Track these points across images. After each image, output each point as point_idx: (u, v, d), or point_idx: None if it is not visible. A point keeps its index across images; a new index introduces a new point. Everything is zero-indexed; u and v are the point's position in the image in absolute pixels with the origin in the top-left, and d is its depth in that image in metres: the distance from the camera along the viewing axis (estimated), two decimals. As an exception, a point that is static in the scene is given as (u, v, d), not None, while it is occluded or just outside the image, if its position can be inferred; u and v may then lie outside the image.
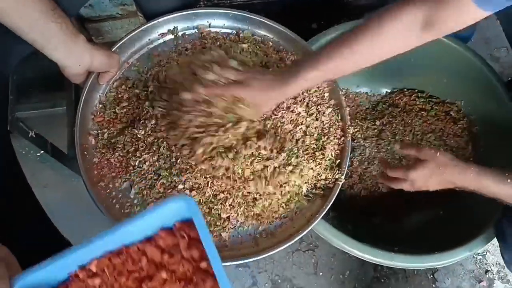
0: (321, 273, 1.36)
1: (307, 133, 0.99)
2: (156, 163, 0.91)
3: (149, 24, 1.04)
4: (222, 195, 0.91)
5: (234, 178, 0.90)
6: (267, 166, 0.91)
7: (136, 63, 1.04)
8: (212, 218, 0.90)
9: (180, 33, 1.08)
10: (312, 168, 0.96)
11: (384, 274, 1.37)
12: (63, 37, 0.81)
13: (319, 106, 1.03)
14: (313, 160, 0.97)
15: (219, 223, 0.91)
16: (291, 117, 0.98)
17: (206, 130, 0.87)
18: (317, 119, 1.01)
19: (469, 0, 0.68)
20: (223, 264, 0.89)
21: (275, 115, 0.97)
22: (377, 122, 1.39)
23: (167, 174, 0.90)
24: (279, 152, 0.93)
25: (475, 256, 1.42)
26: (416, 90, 1.43)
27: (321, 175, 0.98)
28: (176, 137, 0.90)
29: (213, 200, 0.90)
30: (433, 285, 1.37)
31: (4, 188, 0.79)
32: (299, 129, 0.98)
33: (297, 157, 0.95)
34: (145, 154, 0.91)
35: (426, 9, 0.74)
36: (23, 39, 0.78)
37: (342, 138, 1.01)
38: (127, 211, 0.91)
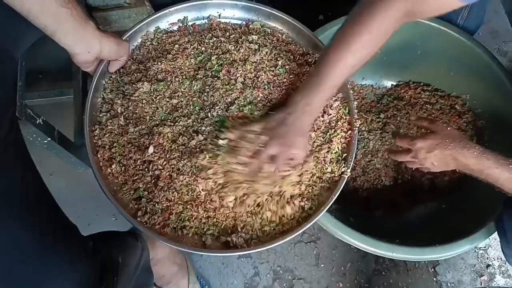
0: (322, 265, 1.38)
1: (314, 127, 1.00)
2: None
3: (159, 14, 1.05)
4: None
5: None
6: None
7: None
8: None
9: (190, 23, 1.08)
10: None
11: (385, 267, 1.38)
12: (73, 23, 0.81)
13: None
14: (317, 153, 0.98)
15: None
16: None
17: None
18: (324, 112, 1.02)
19: None
20: (226, 254, 0.91)
21: None
22: (382, 115, 1.40)
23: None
24: None
25: (476, 251, 1.43)
26: (422, 83, 1.44)
27: (327, 168, 0.98)
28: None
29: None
30: (434, 279, 1.39)
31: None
32: None
33: None
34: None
35: (410, 3, 0.79)
36: (34, 24, 0.78)
37: (349, 132, 1.02)
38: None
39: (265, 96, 0.99)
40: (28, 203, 0.73)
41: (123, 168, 0.91)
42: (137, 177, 0.91)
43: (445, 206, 1.31)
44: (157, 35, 1.05)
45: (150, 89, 0.96)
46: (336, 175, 0.98)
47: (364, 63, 0.87)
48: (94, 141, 0.93)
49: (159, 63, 0.99)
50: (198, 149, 0.92)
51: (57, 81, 1.37)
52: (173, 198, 0.89)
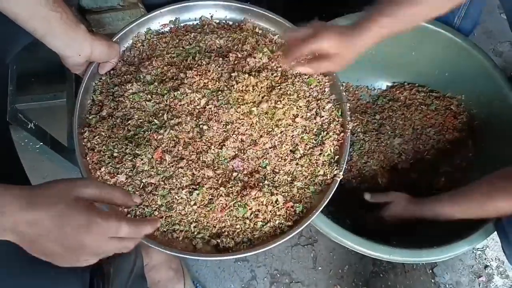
0: (320, 268, 1.36)
1: (306, 129, 0.99)
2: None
3: (150, 15, 1.04)
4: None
5: None
6: None
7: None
8: None
9: (182, 24, 1.07)
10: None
11: (383, 269, 1.37)
12: (63, 26, 0.81)
13: (319, 101, 1.03)
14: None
15: None
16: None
17: None
18: (317, 114, 1.01)
19: None
20: (222, 258, 0.90)
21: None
22: (377, 116, 1.38)
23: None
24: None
25: (474, 251, 1.42)
26: (417, 84, 1.42)
27: (319, 170, 0.97)
28: None
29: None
30: (432, 280, 1.37)
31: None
32: (300, 124, 0.99)
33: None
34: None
35: None
36: (23, 27, 0.78)
37: (342, 134, 1.00)
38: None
39: None
40: None
41: (112, 171, 0.90)
42: (126, 180, 0.90)
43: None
44: (148, 36, 1.04)
45: (140, 91, 0.96)
46: (328, 177, 0.97)
47: None
48: (83, 143, 0.92)
49: (149, 66, 0.99)
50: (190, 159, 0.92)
51: (50, 85, 1.36)
52: (162, 202, 0.88)
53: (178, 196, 0.89)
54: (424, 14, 0.89)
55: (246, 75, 1.00)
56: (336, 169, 0.97)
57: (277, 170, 0.96)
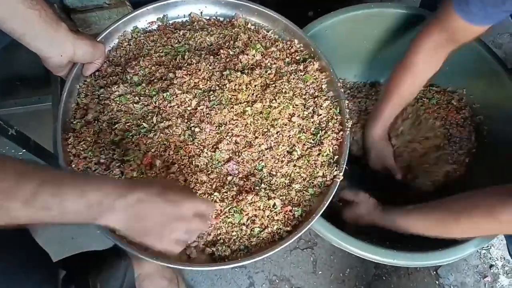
0: (320, 272, 1.32)
1: (304, 128, 0.95)
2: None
3: (137, 12, 0.99)
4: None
5: None
6: None
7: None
8: None
9: (170, 22, 1.02)
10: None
11: (385, 272, 1.32)
12: (43, 25, 0.76)
13: (316, 99, 0.98)
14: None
15: None
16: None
17: None
18: (314, 112, 0.96)
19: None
20: (218, 268, 0.85)
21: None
22: None
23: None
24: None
25: (479, 251, 1.38)
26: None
27: (318, 172, 0.93)
28: None
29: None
30: (436, 282, 1.33)
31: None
32: (297, 124, 0.94)
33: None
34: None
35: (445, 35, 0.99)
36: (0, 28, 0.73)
37: (341, 133, 0.96)
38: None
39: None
40: None
41: (99, 178, 0.85)
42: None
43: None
44: (135, 35, 0.99)
45: (127, 93, 0.90)
46: (328, 179, 0.93)
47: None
48: (68, 150, 0.86)
49: (136, 66, 0.94)
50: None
51: (36, 88, 1.31)
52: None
53: None
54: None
55: (239, 73, 0.95)
56: (335, 170, 0.93)
57: (273, 173, 0.92)
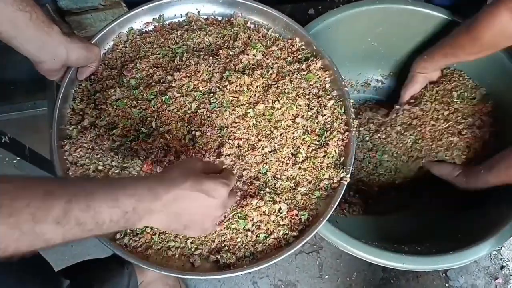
0: (326, 276, 1.29)
1: (308, 130, 0.91)
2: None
3: (132, 13, 0.95)
4: None
5: None
6: None
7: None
8: None
9: (166, 22, 0.99)
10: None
11: (393, 275, 1.29)
12: (33, 28, 0.72)
13: (320, 99, 0.95)
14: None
15: None
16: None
17: None
18: (318, 113, 0.93)
19: None
20: (222, 276, 0.82)
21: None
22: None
23: None
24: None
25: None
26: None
27: (324, 174, 0.90)
28: None
29: None
30: (446, 284, 1.30)
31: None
32: (301, 125, 0.90)
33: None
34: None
35: None
36: None
37: (347, 133, 0.93)
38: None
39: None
40: None
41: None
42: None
43: (454, 210, 1.21)
44: (131, 36, 0.96)
45: (124, 97, 0.87)
46: (334, 181, 0.90)
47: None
48: (64, 157, 0.83)
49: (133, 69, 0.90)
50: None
51: (31, 93, 1.28)
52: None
53: None
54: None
55: (240, 74, 0.92)
56: (342, 172, 0.90)
57: (278, 176, 0.89)
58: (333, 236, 0.96)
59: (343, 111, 0.95)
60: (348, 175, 0.89)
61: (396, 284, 1.28)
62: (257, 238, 0.84)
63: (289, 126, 0.91)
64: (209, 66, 0.92)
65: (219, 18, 1.02)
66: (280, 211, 0.85)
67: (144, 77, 0.91)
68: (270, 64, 0.96)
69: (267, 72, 0.94)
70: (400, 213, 1.24)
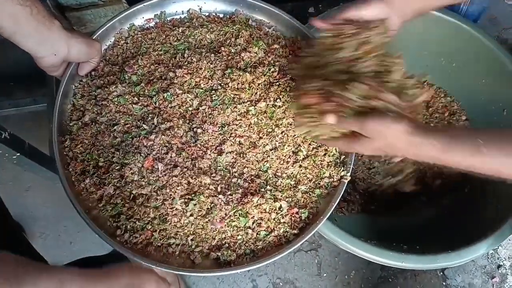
0: (325, 274, 1.29)
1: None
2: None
3: (133, 9, 0.95)
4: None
5: None
6: None
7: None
8: None
9: (168, 18, 0.99)
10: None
11: (391, 273, 1.30)
12: (34, 23, 0.72)
13: (321, 97, 0.95)
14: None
15: None
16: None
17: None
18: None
19: None
20: (222, 273, 0.82)
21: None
22: None
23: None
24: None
25: (486, 251, 1.35)
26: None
27: (325, 172, 0.90)
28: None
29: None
30: (444, 283, 1.30)
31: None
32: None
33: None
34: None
35: None
36: None
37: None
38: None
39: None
40: None
41: (98, 182, 0.81)
42: (114, 192, 0.81)
43: (453, 207, 1.22)
44: (132, 32, 0.95)
45: (125, 93, 0.87)
46: (335, 179, 0.90)
47: None
48: (65, 153, 0.83)
49: (135, 65, 0.90)
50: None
51: (30, 89, 1.27)
52: (155, 215, 0.79)
53: (173, 207, 0.80)
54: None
55: (241, 72, 0.92)
56: (343, 170, 0.90)
57: (279, 174, 0.88)
58: (333, 234, 0.96)
59: (344, 109, 0.95)
60: (349, 174, 0.89)
61: (394, 282, 1.28)
62: (258, 235, 0.84)
63: (290, 125, 0.91)
64: (211, 64, 0.92)
65: (221, 16, 1.02)
66: (281, 209, 0.85)
67: (146, 73, 0.91)
68: (272, 62, 0.96)
69: (269, 70, 0.94)
70: (399, 212, 1.25)
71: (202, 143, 0.86)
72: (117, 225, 0.80)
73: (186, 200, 0.80)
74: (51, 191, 1.31)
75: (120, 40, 0.94)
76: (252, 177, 0.87)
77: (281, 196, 0.86)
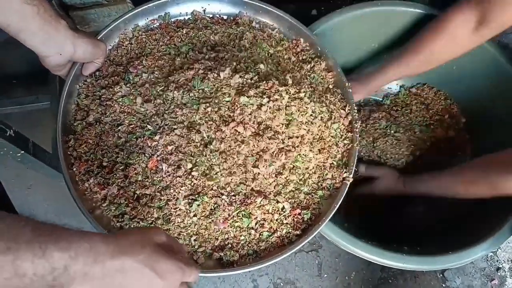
0: (325, 275, 1.29)
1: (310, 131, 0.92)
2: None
3: (138, 10, 0.95)
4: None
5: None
6: None
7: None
8: None
9: (172, 20, 0.99)
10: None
11: (391, 274, 1.30)
12: (40, 22, 0.72)
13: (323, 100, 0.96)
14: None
15: None
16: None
17: None
18: (321, 113, 0.94)
19: None
20: (225, 274, 0.82)
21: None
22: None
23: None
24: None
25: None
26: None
27: (327, 174, 0.90)
28: None
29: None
30: (443, 285, 1.31)
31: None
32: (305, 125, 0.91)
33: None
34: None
35: (479, 9, 0.91)
36: None
37: (350, 134, 0.93)
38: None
39: None
40: None
41: (102, 182, 0.81)
42: (118, 192, 0.81)
43: (454, 210, 1.22)
44: (136, 33, 0.96)
45: (130, 93, 0.87)
46: (337, 181, 0.90)
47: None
48: (69, 152, 0.83)
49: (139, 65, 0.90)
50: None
51: (33, 87, 1.28)
52: (158, 215, 0.80)
53: (177, 208, 0.81)
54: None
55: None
56: (345, 172, 0.91)
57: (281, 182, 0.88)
58: (335, 235, 0.97)
59: (346, 112, 0.96)
60: (351, 175, 0.90)
61: (394, 283, 1.29)
62: (261, 236, 0.84)
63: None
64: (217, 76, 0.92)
65: (225, 17, 1.02)
66: (284, 210, 0.85)
67: (150, 74, 0.91)
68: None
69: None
70: (399, 213, 1.26)
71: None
72: (120, 225, 0.80)
73: (189, 201, 0.81)
74: (53, 189, 1.31)
75: (124, 41, 0.95)
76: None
77: (284, 197, 0.86)
